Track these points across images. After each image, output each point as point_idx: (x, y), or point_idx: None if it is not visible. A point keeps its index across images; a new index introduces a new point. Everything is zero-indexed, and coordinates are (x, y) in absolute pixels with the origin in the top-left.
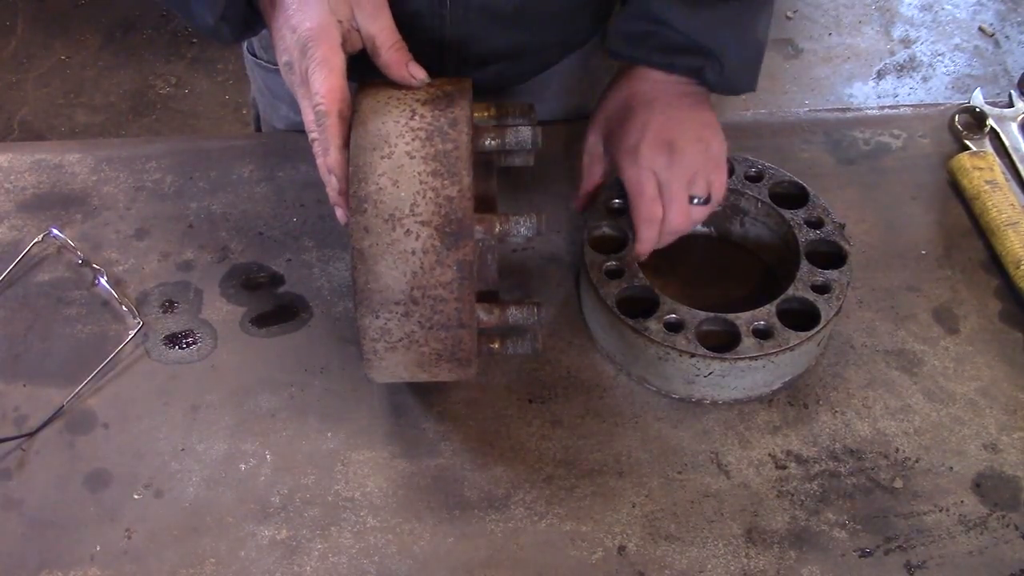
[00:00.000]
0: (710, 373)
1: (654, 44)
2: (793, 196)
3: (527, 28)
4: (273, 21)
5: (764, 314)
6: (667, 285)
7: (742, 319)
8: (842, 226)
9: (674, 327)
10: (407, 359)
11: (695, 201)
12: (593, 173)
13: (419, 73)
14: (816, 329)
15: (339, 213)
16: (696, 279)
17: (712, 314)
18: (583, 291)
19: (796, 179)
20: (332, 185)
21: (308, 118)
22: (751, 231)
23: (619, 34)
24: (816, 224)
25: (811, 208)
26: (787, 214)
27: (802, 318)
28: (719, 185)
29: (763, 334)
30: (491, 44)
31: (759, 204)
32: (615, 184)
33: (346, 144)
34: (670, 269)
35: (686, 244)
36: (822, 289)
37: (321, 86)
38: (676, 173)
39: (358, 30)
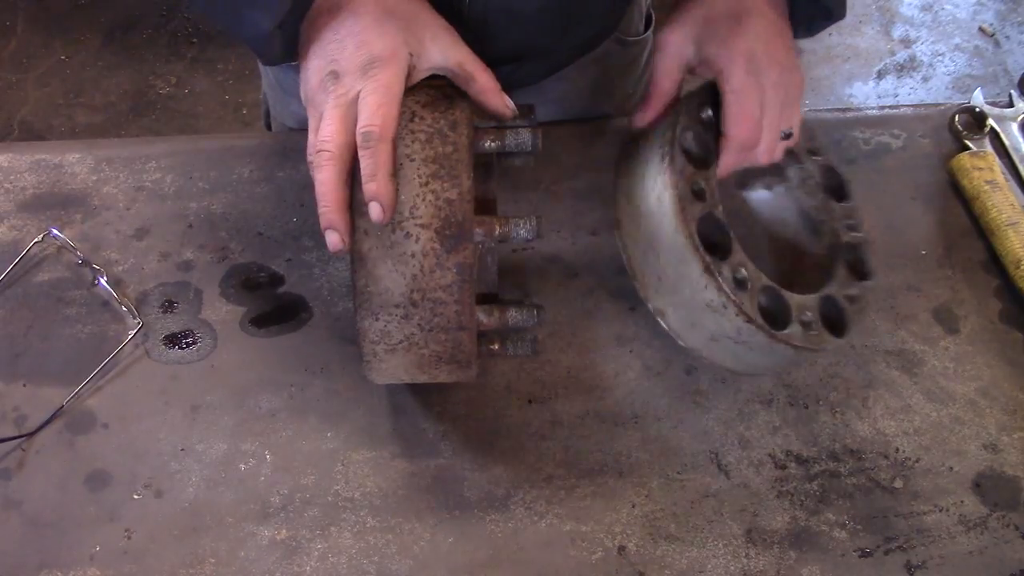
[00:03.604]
0: (744, 342)
1: None
2: (833, 188)
3: (545, 30)
4: (329, 24)
5: (811, 304)
6: None
7: (796, 301)
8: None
9: (741, 284)
10: (407, 361)
11: (782, 135)
12: (673, 82)
13: (512, 104)
14: (843, 338)
15: (334, 239)
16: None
17: (772, 284)
18: (642, 186)
19: (841, 173)
20: (375, 213)
21: (324, 133)
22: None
23: None
24: (855, 227)
25: (850, 209)
26: (834, 204)
27: (833, 321)
28: (798, 123)
29: (806, 325)
30: (506, 45)
31: (808, 181)
32: (705, 91)
33: (395, 173)
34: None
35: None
36: (853, 299)
37: (378, 110)
38: (777, 96)
39: (426, 68)
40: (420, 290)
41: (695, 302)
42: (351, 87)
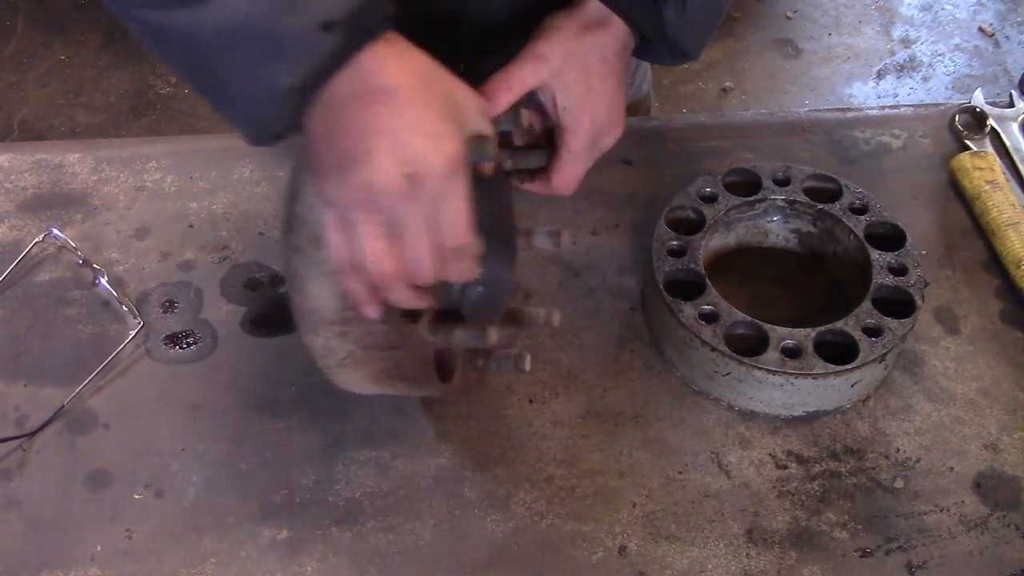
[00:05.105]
0: (727, 374)
1: None
2: (891, 237)
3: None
4: (373, 108)
5: (800, 335)
6: (743, 292)
7: (777, 332)
8: (926, 283)
9: (707, 318)
10: (361, 376)
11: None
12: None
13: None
14: (846, 367)
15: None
16: (774, 294)
17: (749, 318)
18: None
19: (897, 222)
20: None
21: (415, 254)
22: (841, 261)
23: None
24: (898, 271)
25: (902, 255)
26: (875, 254)
27: (844, 353)
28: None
29: (790, 352)
30: (507, 51)
31: (851, 237)
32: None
33: None
34: (753, 279)
35: (775, 259)
36: (872, 332)
37: (464, 218)
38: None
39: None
40: (351, 308)
41: (677, 343)
42: (435, 192)
